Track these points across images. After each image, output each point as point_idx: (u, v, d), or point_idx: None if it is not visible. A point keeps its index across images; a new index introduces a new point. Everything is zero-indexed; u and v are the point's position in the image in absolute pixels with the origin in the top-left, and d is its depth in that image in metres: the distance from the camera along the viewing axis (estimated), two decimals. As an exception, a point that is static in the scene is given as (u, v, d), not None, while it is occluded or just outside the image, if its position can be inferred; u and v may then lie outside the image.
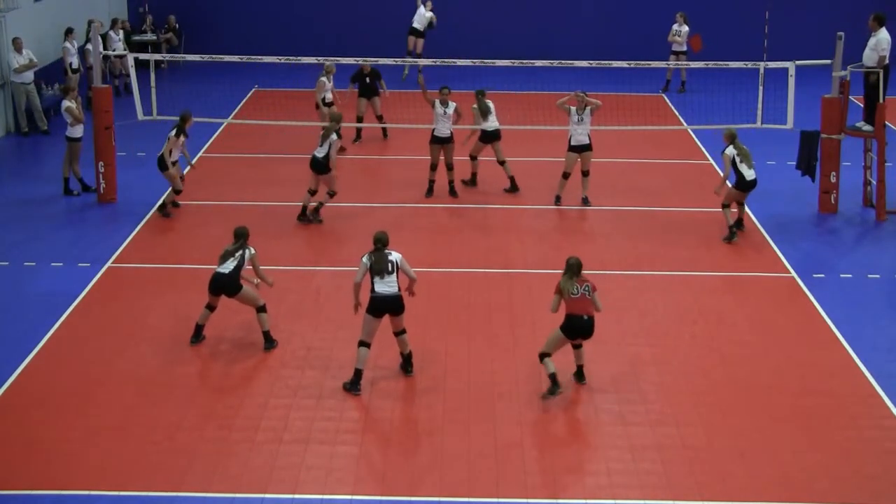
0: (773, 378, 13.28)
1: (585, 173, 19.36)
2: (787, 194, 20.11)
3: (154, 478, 11.11)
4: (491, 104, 19.84)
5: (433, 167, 19.83)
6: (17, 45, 23.70)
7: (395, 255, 13.07)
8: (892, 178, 19.81)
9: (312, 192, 18.38)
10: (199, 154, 22.64)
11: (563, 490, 11.01)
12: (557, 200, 19.44)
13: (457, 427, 12.08)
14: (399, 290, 13.03)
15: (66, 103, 19.80)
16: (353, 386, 12.88)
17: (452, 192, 19.85)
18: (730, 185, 17.90)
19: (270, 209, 19.20)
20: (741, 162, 17.55)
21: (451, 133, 19.65)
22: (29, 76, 23.78)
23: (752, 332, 14.55)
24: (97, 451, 11.56)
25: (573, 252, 17.21)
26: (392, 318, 13.10)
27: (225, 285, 13.89)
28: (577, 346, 13.01)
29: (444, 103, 19.53)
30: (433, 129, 19.70)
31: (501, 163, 20.08)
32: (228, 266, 13.88)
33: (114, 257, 16.98)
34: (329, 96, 22.40)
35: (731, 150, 17.56)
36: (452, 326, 14.65)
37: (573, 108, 19.09)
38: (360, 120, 23.21)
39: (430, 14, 28.39)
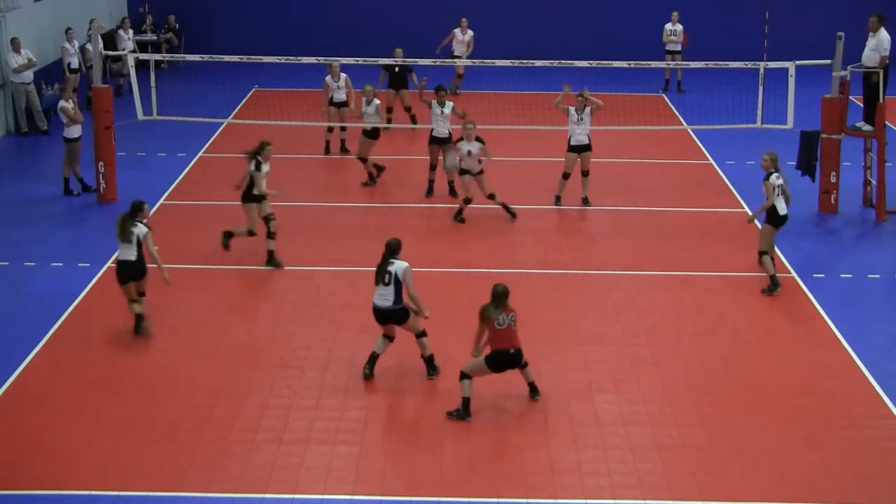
0: (773, 378, 13.27)
1: (585, 173, 19.37)
2: (787, 194, 20.09)
3: (154, 478, 11.11)
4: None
5: (432, 167, 19.84)
6: (16, 46, 23.70)
7: (396, 266, 12.92)
8: (892, 178, 19.81)
9: (468, 201, 18.57)
10: (200, 154, 22.65)
11: (563, 490, 11.00)
12: (557, 200, 19.44)
13: (457, 427, 12.08)
14: (395, 303, 12.89)
15: (62, 103, 19.74)
16: (367, 366, 13.09)
17: (452, 192, 19.85)
18: (759, 223, 16.24)
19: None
20: (781, 193, 15.79)
21: (450, 133, 19.65)
22: (28, 76, 23.78)
23: (752, 332, 14.55)
24: (97, 451, 11.56)
25: (573, 251, 17.27)
26: (401, 327, 13.10)
27: (134, 272, 14.07)
28: (521, 366, 12.51)
29: (441, 103, 19.53)
30: (431, 130, 19.71)
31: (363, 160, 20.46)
32: (133, 252, 14.01)
33: (114, 257, 16.94)
34: (339, 96, 22.25)
35: (776, 179, 15.70)
36: (452, 326, 14.64)
37: (573, 109, 19.10)
38: (389, 111, 23.62)
39: (469, 33, 27.78)
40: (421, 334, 13.16)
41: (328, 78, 22.09)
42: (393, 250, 13.03)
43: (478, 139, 18.29)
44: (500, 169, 21.46)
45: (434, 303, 15.35)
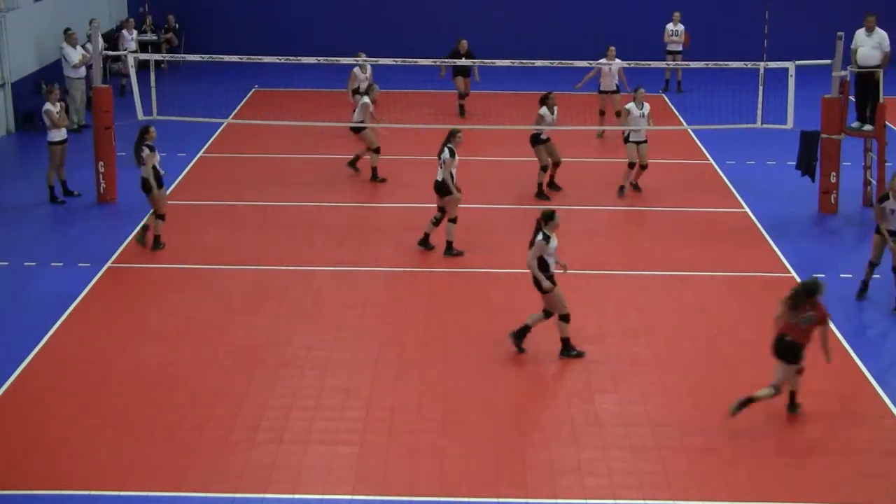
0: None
1: (644, 166, 19.97)
2: (787, 194, 20.12)
3: (154, 478, 11.10)
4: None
5: (545, 168, 19.87)
6: (73, 40, 23.86)
7: (536, 237, 13.51)
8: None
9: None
10: (200, 154, 22.65)
11: (563, 490, 11.00)
12: (621, 191, 19.95)
13: (457, 427, 12.08)
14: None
15: (46, 106, 19.45)
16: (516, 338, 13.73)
17: (541, 194, 20.02)
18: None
19: (270, 209, 19.20)
20: None
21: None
22: (83, 71, 23.86)
23: (752, 332, 14.53)
24: (97, 451, 11.56)
25: (574, 251, 17.21)
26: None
27: None
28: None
29: (551, 109, 19.52)
30: (539, 133, 19.78)
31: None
32: None
33: (114, 257, 16.97)
34: (364, 87, 22.48)
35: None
36: (452, 326, 14.64)
37: (633, 105, 19.75)
38: (461, 97, 25.11)
39: (617, 63, 23.26)
40: (560, 317, 13.51)
41: (356, 69, 22.40)
42: (545, 219, 13.54)
43: None
44: (501, 169, 21.48)
45: (434, 303, 15.38)
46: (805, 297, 12.11)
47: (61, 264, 16.70)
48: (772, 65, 19.55)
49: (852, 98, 19.85)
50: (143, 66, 21.49)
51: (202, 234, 17.98)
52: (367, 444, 11.76)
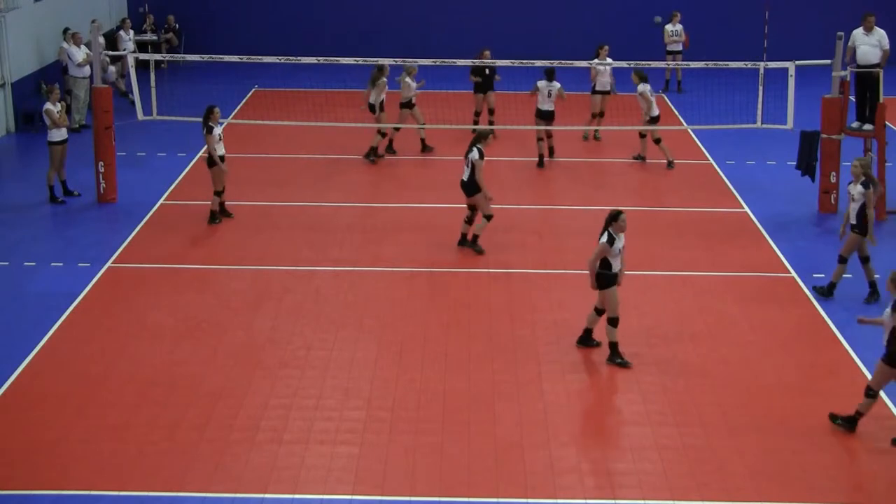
0: (773, 378, 13.28)
1: (657, 140, 21.62)
2: (787, 194, 20.12)
3: (154, 478, 11.11)
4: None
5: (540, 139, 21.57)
6: (77, 40, 23.90)
7: (602, 236, 13.29)
8: (892, 178, 19.82)
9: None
10: (199, 154, 22.64)
11: (563, 490, 11.00)
12: (642, 158, 21.86)
13: (457, 427, 12.08)
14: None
15: (47, 105, 19.41)
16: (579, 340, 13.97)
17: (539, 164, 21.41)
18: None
19: (270, 209, 19.20)
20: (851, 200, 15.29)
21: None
22: (88, 70, 23.86)
23: (752, 332, 14.55)
24: (97, 451, 11.56)
25: (573, 251, 17.22)
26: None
27: None
28: None
29: (551, 80, 21.40)
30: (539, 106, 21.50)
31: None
32: None
33: (114, 257, 16.97)
34: (415, 99, 22.30)
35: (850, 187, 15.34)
36: (452, 326, 14.64)
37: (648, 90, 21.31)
38: (477, 115, 23.52)
39: (609, 62, 23.20)
40: (608, 320, 13.46)
41: (408, 79, 21.91)
42: (611, 219, 13.39)
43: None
44: (501, 169, 21.48)
45: (434, 303, 15.38)
46: None
47: (61, 264, 16.70)
48: (772, 65, 19.56)
49: (852, 98, 19.86)
50: (143, 66, 21.50)
51: (202, 234, 17.98)
52: (367, 444, 11.77)
